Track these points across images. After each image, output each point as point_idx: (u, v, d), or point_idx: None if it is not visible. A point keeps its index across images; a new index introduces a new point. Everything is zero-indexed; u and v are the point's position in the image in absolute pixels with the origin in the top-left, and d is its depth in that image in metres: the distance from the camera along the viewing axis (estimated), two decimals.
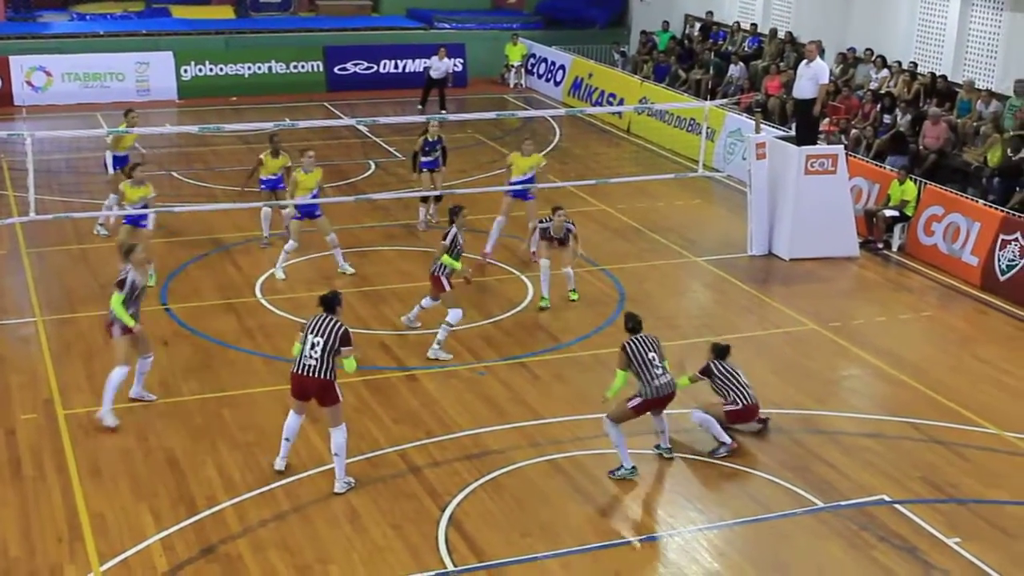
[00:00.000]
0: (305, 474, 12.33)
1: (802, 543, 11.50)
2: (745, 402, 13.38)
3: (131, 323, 13.16)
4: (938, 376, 15.37)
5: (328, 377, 11.69)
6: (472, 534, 11.36)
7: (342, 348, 11.64)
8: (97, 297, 16.89)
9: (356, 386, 14.37)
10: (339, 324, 11.71)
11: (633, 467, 12.37)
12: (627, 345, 12.30)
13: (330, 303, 11.85)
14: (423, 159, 20.12)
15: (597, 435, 13.26)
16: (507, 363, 15.19)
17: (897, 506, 12.09)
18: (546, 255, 16.93)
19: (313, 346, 11.62)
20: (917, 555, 11.25)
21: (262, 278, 17.87)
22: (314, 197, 17.87)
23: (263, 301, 17.04)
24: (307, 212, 17.88)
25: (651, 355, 12.22)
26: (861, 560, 11.18)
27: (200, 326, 16.13)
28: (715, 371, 13.45)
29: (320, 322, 11.71)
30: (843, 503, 12.13)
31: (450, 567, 10.82)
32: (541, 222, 17.16)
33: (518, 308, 17.00)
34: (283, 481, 12.17)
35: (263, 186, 19.45)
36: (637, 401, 12.27)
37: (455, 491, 12.10)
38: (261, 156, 19.33)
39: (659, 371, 12.23)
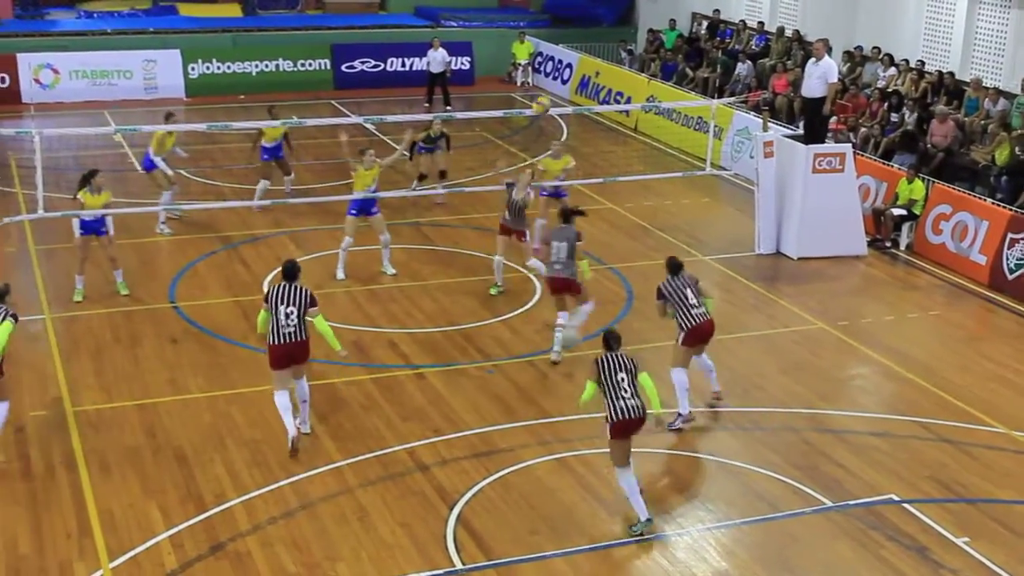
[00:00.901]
0: (314, 471, 12.34)
1: (811, 543, 11.49)
2: (689, 324, 13.23)
3: None
4: (946, 375, 15.36)
5: (305, 337, 12.55)
6: (480, 532, 11.37)
7: (309, 309, 12.45)
8: (106, 295, 16.94)
9: (364, 384, 14.41)
10: (303, 289, 12.54)
11: (649, 519, 11.40)
12: (599, 360, 11.49)
13: (291, 272, 12.59)
14: (421, 145, 20.97)
15: (605, 434, 13.27)
16: (516, 361, 15.18)
17: (906, 505, 12.09)
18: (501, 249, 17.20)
19: (288, 315, 12.40)
20: (926, 555, 11.24)
21: (270, 275, 17.87)
22: (373, 192, 17.98)
23: None
24: (363, 209, 17.90)
25: (621, 376, 11.33)
26: (870, 560, 11.17)
27: (208, 324, 16.15)
28: (666, 291, 13.29)
29: (286, 291, 12.45)
30: (852, 502, 12.12)
31: (458, 565, 10.83)
32: (508, 184, 17.14)
33: (527, 306, 17.00)
34: (291, 479, 12.18)
35: (264, 156, 20.56)
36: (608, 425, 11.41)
37: (463, 489, 12.11)
38: (260, 126, 20.35)
39: (627, 394, 11.28)
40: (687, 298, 13.25)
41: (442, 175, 21.45)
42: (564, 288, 15.04)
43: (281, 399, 12.59)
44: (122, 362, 14.92)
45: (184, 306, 16.75)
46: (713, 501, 12.15)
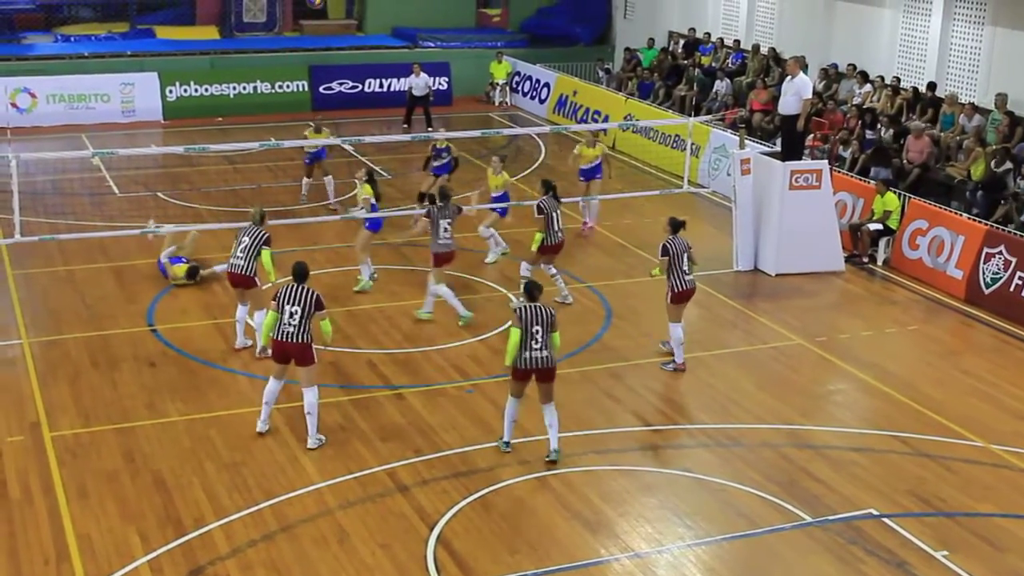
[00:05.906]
0: (293, 494, 12.31)
1: (791, 558, 11.51)
2: (679, 287, 15.39)
3: None
4: (924, 389, 15.42)
5: (305, 340, 12.90)
6: (460, 552, 11.35)
7: (316, 312, 12.84)
8: (83, 318, 16.89)
9: (343, 405, 14.38)
10: (311, 291, 12.91)
11: (507, 443, 13.25)
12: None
13: (301, 273, 12.98)
14: (434, 164, 21.77)
15: (585, 452, 13.31)
16: (494, 381, 15.17)
17: (885, 520, 12.12)
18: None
19: (291, 315, 12.81)
20: (906, 569, 11.27)
21: None
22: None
23: (250, 321, 16.99)
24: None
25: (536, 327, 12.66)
26: (850, 574, 11.19)
27: (187, 346, 16.09)
28: (670, 249, 15.36)
29: (294, 292, 12.86)
30: (831, 517, 12.15)
31: None
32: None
33: (505, 325, 16.96)
34: (271, 501, 12.14)
35: (307, 160, 22.41)
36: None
37: (443, 509, 12.09)
38: (305, 133, 22.04)
39: (536, 345, 12.68)
40: (682, 262, 15.22)
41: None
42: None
43: (269, 385, 13.28)
44: (100, 386, 14.85)
45: (162, 329, 16.69)
46: (693, 518, 12.16)
